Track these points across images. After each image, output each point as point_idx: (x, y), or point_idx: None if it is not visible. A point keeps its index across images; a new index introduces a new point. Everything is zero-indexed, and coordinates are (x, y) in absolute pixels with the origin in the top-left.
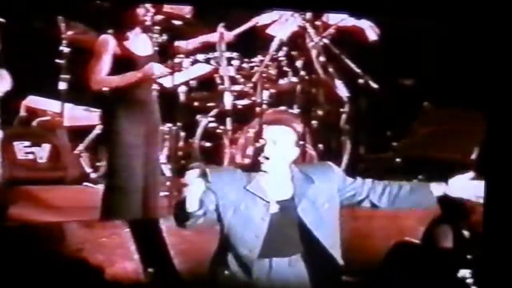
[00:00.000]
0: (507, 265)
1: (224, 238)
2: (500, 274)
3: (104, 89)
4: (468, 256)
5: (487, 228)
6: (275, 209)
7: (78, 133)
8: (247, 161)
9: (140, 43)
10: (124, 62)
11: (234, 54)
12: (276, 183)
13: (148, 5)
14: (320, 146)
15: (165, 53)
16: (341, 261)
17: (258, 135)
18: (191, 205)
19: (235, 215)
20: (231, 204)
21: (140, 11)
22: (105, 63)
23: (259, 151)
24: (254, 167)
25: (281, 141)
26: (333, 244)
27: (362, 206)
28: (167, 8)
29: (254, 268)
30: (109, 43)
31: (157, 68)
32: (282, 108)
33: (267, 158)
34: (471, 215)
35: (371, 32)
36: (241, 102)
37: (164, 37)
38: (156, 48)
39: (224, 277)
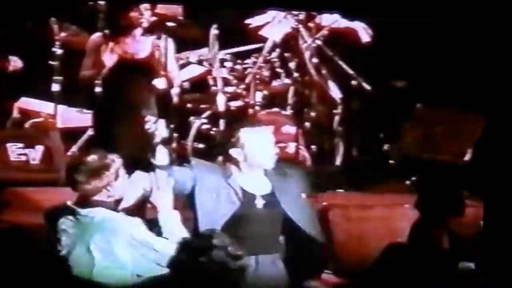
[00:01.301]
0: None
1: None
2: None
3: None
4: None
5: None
6: (260, 205)
7: (71, 134)
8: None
9: (137, 46)
10: (115, 62)
11: (227, 56)
12: (254, 178)
13: (143, 7)
14: (313, 147)
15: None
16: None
17: (233, 134)
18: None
19: (208, 200)
20: (206, 190)
21: (134, 13)
22: (88, 60)
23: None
24: (231, 164)
25: (258, 140)
26: (316, 231)
27: None
28: (159, 9)
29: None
30: (97, 43)
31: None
32: (275, 109)
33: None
34: (458, 216)
35: (364, 33)
36: (234, 104)
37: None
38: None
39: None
